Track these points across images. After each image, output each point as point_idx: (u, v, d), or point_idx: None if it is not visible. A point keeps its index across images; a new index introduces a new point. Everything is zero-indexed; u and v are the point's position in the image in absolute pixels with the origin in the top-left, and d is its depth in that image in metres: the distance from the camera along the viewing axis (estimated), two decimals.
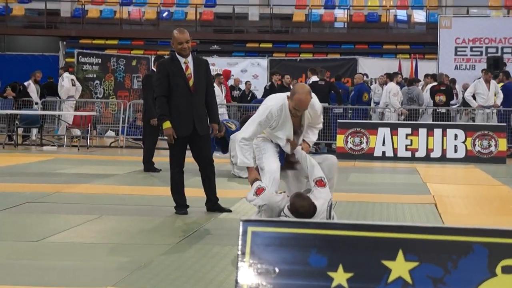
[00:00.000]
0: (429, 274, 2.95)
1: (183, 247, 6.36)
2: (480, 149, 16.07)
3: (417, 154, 16.04)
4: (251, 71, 26.73)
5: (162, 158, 12.12)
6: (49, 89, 23.33)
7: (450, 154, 16.01)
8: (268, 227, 3.03)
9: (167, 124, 7.94)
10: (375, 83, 22.93)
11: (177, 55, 8.06)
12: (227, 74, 22.61)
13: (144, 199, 9.27)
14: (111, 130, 22.30)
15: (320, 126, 6.97)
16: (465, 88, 22.38)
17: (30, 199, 8.95)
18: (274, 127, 6.62)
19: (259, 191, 6.42)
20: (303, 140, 6.80)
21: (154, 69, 12.73)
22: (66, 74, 21.15)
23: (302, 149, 6.71)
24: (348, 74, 25.38)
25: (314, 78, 19.54)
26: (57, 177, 11.33)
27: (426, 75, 21.47)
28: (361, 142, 16.23)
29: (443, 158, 15.92)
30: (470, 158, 15.86)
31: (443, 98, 19.17)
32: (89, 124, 18.40)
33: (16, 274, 5.27)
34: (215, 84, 20.28)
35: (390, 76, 20.07)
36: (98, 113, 22.05)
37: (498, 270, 2.95)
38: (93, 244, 6.47)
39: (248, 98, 21.95)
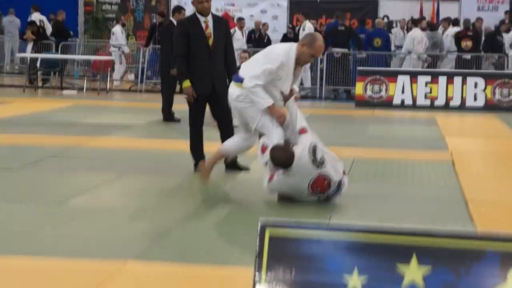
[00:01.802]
0: (442, 279, 3.02)
1: (202, 212, 6.47)
2: (500, 97, 16.00)
3: (436, 103, 15.99)
4: (270, 11, 26.53)
5: (181, 105, 12.15)
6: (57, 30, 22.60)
7: (469, 102, 15.96)
8: (286, 228, 3.10)
9: (186, 83, 8.00)
10: (396, 26, 22.74)
11: (197, 14, 8.08)
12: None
13: (163, 154, 9.36)
14: (130, 72, 22.30)
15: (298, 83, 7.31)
16: (487, 30, 22.11)
17: (52, 153, 9.08)
18: (279, 78, 6.82)
19: (263, 149, 6.71)
20: (292, 88, 7.02)
21: (173, 20, 12.72)
22: (35, 14, 21.33)
23: (294, 94, 6.98)
24: (368, 16, 25.14)
25: (308, 24, 19.30)
26: (77, 128, 11.45)
27: (444, 19, 21.17)
28: (380, 90, 16.19)
29: (462, 107, 15.88)
30: (489, 107, 15.81)
31: (469, 43, 18.93)
32: (109, 68, 18.44)
33: (38, 244, 5.39)
34: (236, 28, 20.22)
35: (414, 22, 19.85)
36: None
37: (509, 276, 3.02)
38: (113, 208, 6.58)
39: (265, 41, 21.78)
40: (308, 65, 18.94)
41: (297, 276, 3.10)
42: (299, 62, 6.86)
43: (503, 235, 3.06)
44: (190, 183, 7.76)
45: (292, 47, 6.84)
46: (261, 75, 6.73)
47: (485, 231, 3.07)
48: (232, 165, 8.32)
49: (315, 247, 3.10)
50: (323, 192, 6.67)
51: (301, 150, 6.56)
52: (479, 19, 21.84)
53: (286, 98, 6.91)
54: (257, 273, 3.13)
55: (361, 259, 3.07)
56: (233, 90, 7.03)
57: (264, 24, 22.55)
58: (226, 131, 8.21)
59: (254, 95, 6.77)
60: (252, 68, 6.87)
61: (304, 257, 3.10)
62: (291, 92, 6.95)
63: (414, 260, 3.05)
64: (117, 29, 21.28)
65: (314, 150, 6.55)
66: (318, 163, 6.55)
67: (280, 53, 6.78)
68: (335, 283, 3.06)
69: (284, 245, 3.12)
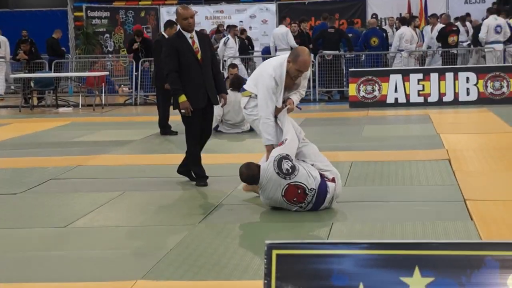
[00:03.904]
0: None
1: (205, 227, 6.56)
2: (492, 90, 16.13)
3: (430, 99, 16.11)
4: (259, 16, 26.68)
5: (178, 117, 12.24)
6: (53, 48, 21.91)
7: (462, 97, 16.08)
8: (292, 249, 3.20)
9: (182, 98, 8.15)
10: (385, 24, 22.86)
11: (182, 31, 8.27)
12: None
13: (164, 169, 9.44)
14: (123, 85, 22.37)
15: (303, 92, 7.43)
16: (475, 24, 22.25)
17: (53, 175, 9.16)
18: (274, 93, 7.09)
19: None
20: (288, 98, 7.18)
21: (164, 34, 12.82)
22: None
23: (287, 105, 7.12)
24: (357, 16, 25.31)
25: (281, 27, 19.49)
26: (76, 147, 11.53)
27: (432, 15, 21.28)
28: (373, 90, 16.30)
29: (455, 102, 16.00)
30: (482, 100, 15.93)
31: (455, 38, 19.10)
32: (103, 84, 18.53)
33: (47, 268, 5.49)
34: (229, 36, 20.30)
35: (402, 21, 19.98)
36: (109, 66, 22.20)
37: (509, 281, 3.13)
38: (118, 227, 6.68)
39: (247, 45, 21.58)
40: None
41: None
42: (290, 77, 7.02)
43: (501, 243, 3.18)
44: (192, 198, 7.84)
45: (283, 62, 7.00)
46: (267, 102, 7.02)
47: (483, 241, 3.18)
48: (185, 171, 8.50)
49: (322, 264, 3.21)
50: (301, 201, 6.76)
51: (267, 164, 6.77)
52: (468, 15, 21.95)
53: (278, 111, 7.10)
54: None
55: (366, 273, 3.18)
56: (241, 99, 7.51)
57: (243, 32, 22.28)
58: (204, 142, 8.44)
59: (263, 127, 7.09)
60: (255, 83, 7.25)
61: (310, 275, 3.21)
62: (285, 102, 7.11)
63: (417, 272, 3.16)
64: None
65: (279, 162, 6.68)
66: (284, 174, 6.65)
67: (270, 72, 7.03)
68: None
69: (290, 264, 3.23)
